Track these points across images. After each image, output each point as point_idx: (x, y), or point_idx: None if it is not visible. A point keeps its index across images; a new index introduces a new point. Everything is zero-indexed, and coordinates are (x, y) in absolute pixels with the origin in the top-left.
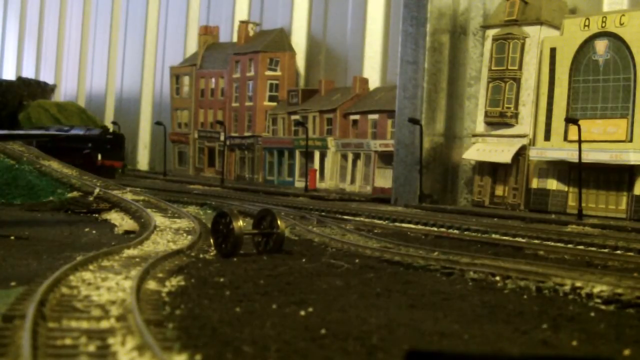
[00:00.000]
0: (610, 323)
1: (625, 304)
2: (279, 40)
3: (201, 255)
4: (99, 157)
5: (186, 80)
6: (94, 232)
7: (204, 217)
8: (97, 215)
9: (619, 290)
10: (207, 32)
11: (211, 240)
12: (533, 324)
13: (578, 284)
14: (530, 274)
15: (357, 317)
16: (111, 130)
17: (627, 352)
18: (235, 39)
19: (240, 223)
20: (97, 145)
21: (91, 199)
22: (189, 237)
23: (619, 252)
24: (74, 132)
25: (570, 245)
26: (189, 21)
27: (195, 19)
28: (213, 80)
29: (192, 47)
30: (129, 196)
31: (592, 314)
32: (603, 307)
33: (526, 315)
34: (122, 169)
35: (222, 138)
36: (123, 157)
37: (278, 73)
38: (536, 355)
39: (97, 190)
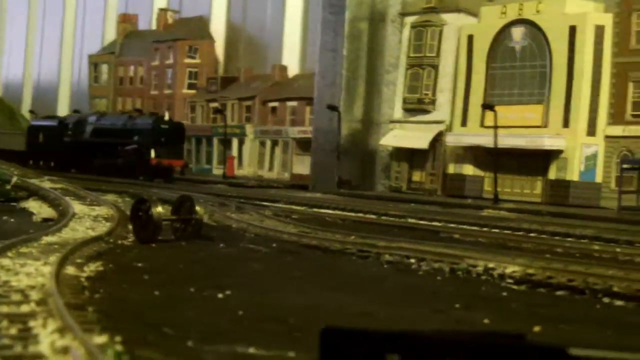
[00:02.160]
0: (522, 302)
1: (537, 284)
2: (198, 28)
3: (120, 242)
4: (152, 154)
5: (105, 68)
6: (12, 220)
7: (123, 205)
8: (15, 203)
9: (531, 271)
10: (126, 20)
11: (130, 227)
12: (447, 303)
13: (491, 265)
14: (445, 256)
15: (275, 299)
16: (166, 117)
17: (537, 328)
18: (154, 27)
19: (159, 209)
20: (148, 139)
21: (8, 187)
22: (108, 224)
23: (532, 234)
24: (106, 121)
25: (485, 229)
26: (108, 9)
27: (114, 6)
28: (132, 68)
29: (111, 35)
30: (47, 184)
31: (505, 294)
32: (515, 287)
33: (440, 295)
34: (183, 169)
35: None
36: (183, 154)
37: (197, 61)
38: (447, 331)
39: (14, 179)
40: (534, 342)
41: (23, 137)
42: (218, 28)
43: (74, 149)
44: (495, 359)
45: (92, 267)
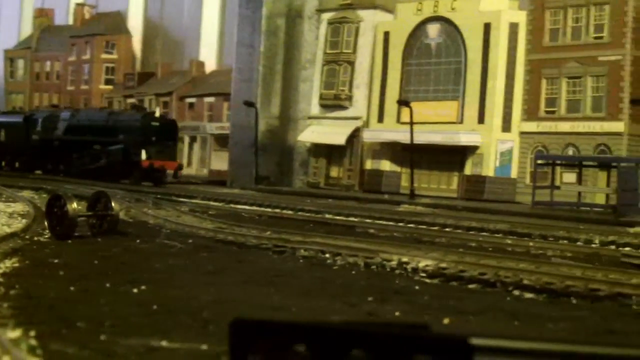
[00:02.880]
0: (433, 295)
1: (449, 277)
2: (116, 23)
3: (36, 238)
4: (143, 155)
5: (21, 63)
6: None
7: (39, 201)
8: None
9: (444, 265)
10: (43, 14)
11: (46, 223)
12: (360, 297)
13: (405, 259)
14: (360, 250)
15: (189, 294)
16: (157, 113)
17: (446, 320)
18: (71, 22)
19: (74, 205)
20: (137, 138)
21: None
22: (24, 220)
23: (447, 229)
24: (82, 117)
25: (401, 224)
26: (24, 3)
27: (30, 1)
28: (48, 63)
29: (27, 30)
30: None
31: (417, 287)
32: (428, 280)
33: (354, 289)
34: (176, 172)
35: None
36: (176, 155)
37: (114, 56)
38: (354, 322)
39: None
40: (436, 332)
41: None
42: (135, 23)
43: (43, 148)
44: (399, 348)
45: (8, 264)
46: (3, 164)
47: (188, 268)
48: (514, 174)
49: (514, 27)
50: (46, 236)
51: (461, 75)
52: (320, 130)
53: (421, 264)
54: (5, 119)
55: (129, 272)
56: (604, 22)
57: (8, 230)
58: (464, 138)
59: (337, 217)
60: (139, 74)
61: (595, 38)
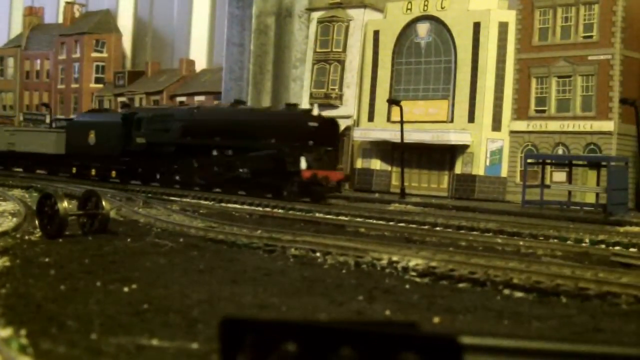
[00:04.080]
0: (423, 294)
1: (439, 277)
2: (105, 21)
3: (26, 237)
4: (303, 163)
5: (10, 62)
6: None
7: (30, 200)
8: None
9: (434, 264)
10: (32, 13)
11: (36, 222)
12: (349, 295)
13: (395, 258)
14: (350, 249)
15: (179, 292)
16: (315, 111)
17: (436, 319)
18: (61, 20)
19: (65, 204)
20: (294, 142)
21: None
22: (15, 219)
23: (438, 228)
24: (209, 115)
25: (391, 223)
26: (14, 2)
27: None
28: (38, 61)
29: (17, 28)
30: None
31: (407, 286)
32: (418, 279)
33: (344, 288)
34: (341, 184)
35: (47, 120)
36: (337, 163)
37: (104, 55)
38: (343, 320)
39: None
40: (426, 330)
41: (60, 137)
42: (125, 22)
43: (151, 155)
44: (387, 346)
45: None
46: (93, 171)
47: (178, 267)
48: (504, 173)
49: (503, 27)
50: (37, 235)
51: (451, 74)
52: None
53: (411, 263)
54: (95, 118)
55: (120, 271)
56: (594, 21)
57: None
58: (454, 137)
59: (328, 216)
60: (129, 73)
61: (585, 37)
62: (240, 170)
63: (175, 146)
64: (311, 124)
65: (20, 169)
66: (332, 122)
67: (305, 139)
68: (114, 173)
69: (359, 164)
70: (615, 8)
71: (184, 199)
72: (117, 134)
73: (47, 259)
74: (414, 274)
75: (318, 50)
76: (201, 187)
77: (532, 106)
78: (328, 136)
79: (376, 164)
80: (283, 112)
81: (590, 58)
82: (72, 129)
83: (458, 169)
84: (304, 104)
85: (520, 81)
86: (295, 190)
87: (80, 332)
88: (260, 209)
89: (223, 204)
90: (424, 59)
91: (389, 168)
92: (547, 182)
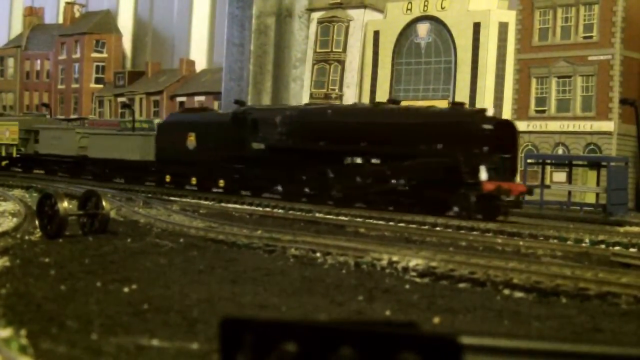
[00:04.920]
0: (423, 294)
1: (439, 277)
2: (105, 22)
3: (27, 237)
4: (483, 174)
5: (11, 62)
6: None
7: (30, 200)
8: None
9: (434, 264)
10: (32, 13)
11: (36, 222)
12: (349, 296)
13: (395, 258)
14: (350, 249)
15: (179, 292)
16: (489, 112)
17: (436, 319)
18: (61, 21)
19: (65, 204)
20: (470, 149)
21: None
22: (15, 219)
23: (438, 228)
24: (348, 117)
25: (391, 223)
26: (14, 2)
27: None
28: (38, 62)
29: (17, 28)
30: None
31: (407, 286)
32: (418, 279)
33: (343, 288)
34: (521, 197)
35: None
36: (516, 172)
37: (104, 55)
38: (343, 320)
39: None
40: (425, 330)
41: (148, 141)
42: (125, 22)
43: (271, 161)
44: (387, 346)
45: None
46: (193, 181)
47: (178, 267)
48: None
49: (503, 27)
50: (37, 235)
51: (451, 74)
52: None
53: (411, 263)
54: (195, 118)
55: (120, 271)
56: (593, 21)
57: None
58: None
59: (328, 216)
60: (129, 73)
61: (585, 38)
62: (394, 181)
63: (304, 153)
64: (486, 126)
65: (89, 177)
66: (509, 125)
67: (479, 144)
68: (221, 182)
69: None
70: (615, 8)
71: (184, 199)
72: (226, 137)
73: (47, 259)
74: (414, 274)
75: (318, 50)
76: (337, 202)
77: (532, 106)
78: (505, 141)
79: None
80: (449, 112)
81: (590, 58)
82: (164, 132)
83: None
84: (304, 104)
85: (520, 81)
86: (471, 205)
87: (80, 332)
88: (260, 209)
89: (223, 204)
90: (424, 59)
91: None
92: (547, 182)
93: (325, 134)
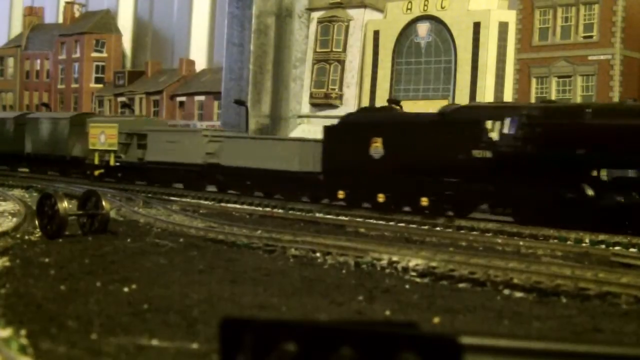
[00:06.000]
0: (423, 294)
1: (439, 277)
2: (105, 21)
3: (26, 237)
4: None
5: (10, 61)
6: None
7: (30, 200)
8: None
9: (434, 264)
10: (32, 12)
11: (36, 222)
12: (349, 296)
13: (395, 258)
14: (350, 249)
15: (179, 292)
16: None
17: (436, 319)
18: (60, 20)
19: (65, 204)
20: None
21: None
22: (15, 219)
23: (438, 228)
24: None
25: (391, 223)
26: (14, 1)
27: None
28: (38, 61)
29: (17, 28)
30: None
31: (407, 286)
32: (418, 279)
33: (343, 288)
34: None
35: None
36: None
37: (104, 55)
38: (343, 320)
39: None
40: (425, 330)
41: (311, 148)
42: (125, 22)
43: (504, 174)
44: (387, 346)
45: None
46: (380, 198)
47: (178, 267)
48: None
49: (503, 27)
50: (37, 235)
51: (451, 74)
52: (310, 129)
53: (411, 263)
54: (382, 119)
55: (119, 271)
56: (594, 21)
57: None
58: None
59: (328, 216)
60: (129, 73)
61: (585, 37)
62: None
63: (552, 163)
64: None
65: (213, 188)
66: None
67: None
68: (425, 201)
69: None
70: (615, 8)
71: (184, 199)
72: (431, 142)
73: (47, 259)
74: (414, 274)
75: (318, 50)
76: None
77: None
78: None
79: None
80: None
81: (590, 58)
82: (336, 136)
83: None
84: (304, 104)
85: (520, 81)
86: None
87: (80, 332)
88: (260, 209)
89: (223, 204)
90: (424, 59)
91: None
92: None
93: (585, 140)
